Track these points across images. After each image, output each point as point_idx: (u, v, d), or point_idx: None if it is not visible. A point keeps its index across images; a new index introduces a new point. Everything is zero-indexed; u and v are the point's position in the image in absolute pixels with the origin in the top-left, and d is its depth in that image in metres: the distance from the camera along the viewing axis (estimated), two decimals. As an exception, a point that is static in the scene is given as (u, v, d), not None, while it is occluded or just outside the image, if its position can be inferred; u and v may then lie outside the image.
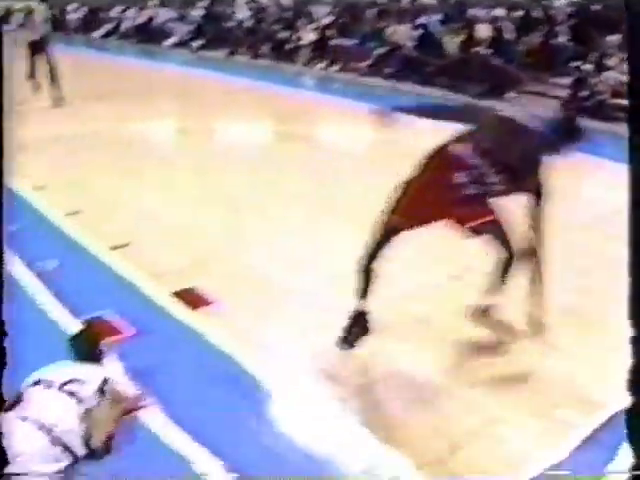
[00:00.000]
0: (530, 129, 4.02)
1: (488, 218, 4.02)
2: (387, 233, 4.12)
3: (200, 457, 3.43)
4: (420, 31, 15.07)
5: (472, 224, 4.03)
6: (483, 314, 4.24)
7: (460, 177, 3.97)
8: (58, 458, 2.86)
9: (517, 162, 4.01)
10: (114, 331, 4.53)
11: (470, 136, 4.07)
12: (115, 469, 3.15)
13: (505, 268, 4.08)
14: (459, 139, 4.09)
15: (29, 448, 2.82)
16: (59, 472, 2.85)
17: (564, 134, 3.97)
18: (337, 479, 3.34)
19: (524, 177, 4.06)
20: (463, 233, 4.12)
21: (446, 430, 3.65)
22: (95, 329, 4.22)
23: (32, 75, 11.94)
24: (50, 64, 11.86)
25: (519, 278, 4.23)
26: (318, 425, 3.76)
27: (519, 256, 4.14)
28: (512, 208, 4.18)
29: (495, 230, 4.04)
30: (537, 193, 4.14)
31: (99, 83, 14.03)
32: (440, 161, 4.08)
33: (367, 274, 4.21)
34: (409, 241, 4.20)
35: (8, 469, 2.76)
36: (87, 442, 3.04)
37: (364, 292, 4.25)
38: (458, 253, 5.60)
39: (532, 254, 4.27)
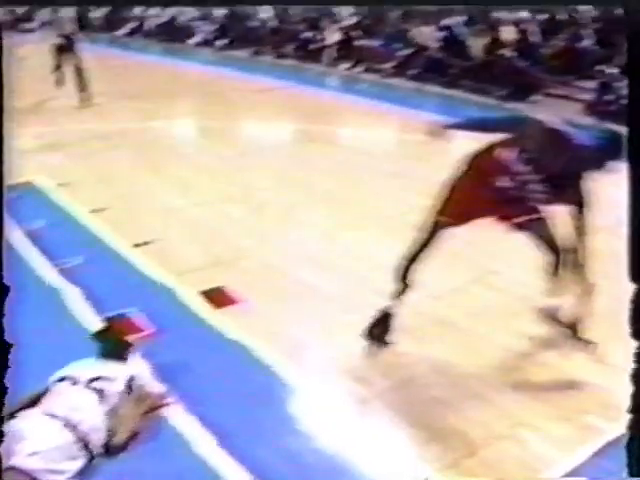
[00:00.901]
0: (576, 143, 4.00)
1: (534, 216, 4.07)
2: (433, 233, 4.15)
3: (221, 458, 3.43)
4: (444, 33, 15.00)
5: (517, 220, 4.09)
6: (552, 315, 4.27)
7: (503, 181, 4.01)
8: (75, 456, 2.86)
9: (560, 173, 4.00)
10: (135, 329, 4.55)
11: (516, 142, 4.06)
12: (137, 466, 3.17)
13: (554, 269, 4.12)
14: (505, 144, 4.08)
15: (51, 445, 2.82)
16: (78, 470, 2.85)
17: (610, 151, 3.92)
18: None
19: (566, 189, 4.05)
20: (508, 229, 4.16)
21: (468, 432, 3.64)
22: (118, 327, 4.24)
23: (58, 68, 11.90)
24: (78, 64, 11.78)
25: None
26: (342, 426, 3.75)
27: (564, 258, 4.14)
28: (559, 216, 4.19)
29: (540, 229, 4.08)
30: (579, 206, 4.12)
31: (124, 81, 14.09)
32: (485, 163, 4.11)
33: (406, 275, 4.23)
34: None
35: (24, 464, 2.75)
36: (109, 440, 3.04)
37: (399, 293, 4.27)
38: (478, 256, 5.59)
39: (576, 258, 4.23)
